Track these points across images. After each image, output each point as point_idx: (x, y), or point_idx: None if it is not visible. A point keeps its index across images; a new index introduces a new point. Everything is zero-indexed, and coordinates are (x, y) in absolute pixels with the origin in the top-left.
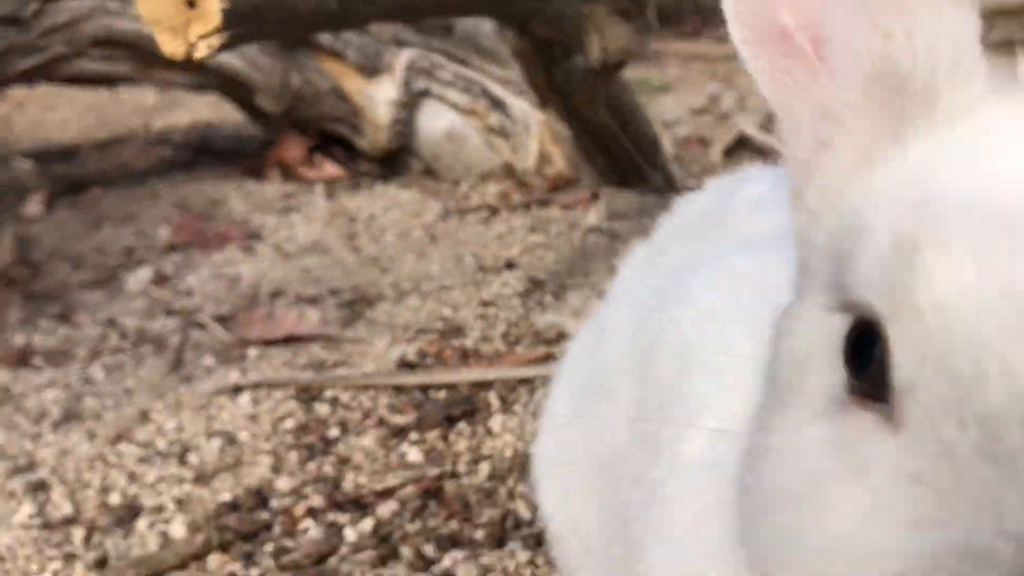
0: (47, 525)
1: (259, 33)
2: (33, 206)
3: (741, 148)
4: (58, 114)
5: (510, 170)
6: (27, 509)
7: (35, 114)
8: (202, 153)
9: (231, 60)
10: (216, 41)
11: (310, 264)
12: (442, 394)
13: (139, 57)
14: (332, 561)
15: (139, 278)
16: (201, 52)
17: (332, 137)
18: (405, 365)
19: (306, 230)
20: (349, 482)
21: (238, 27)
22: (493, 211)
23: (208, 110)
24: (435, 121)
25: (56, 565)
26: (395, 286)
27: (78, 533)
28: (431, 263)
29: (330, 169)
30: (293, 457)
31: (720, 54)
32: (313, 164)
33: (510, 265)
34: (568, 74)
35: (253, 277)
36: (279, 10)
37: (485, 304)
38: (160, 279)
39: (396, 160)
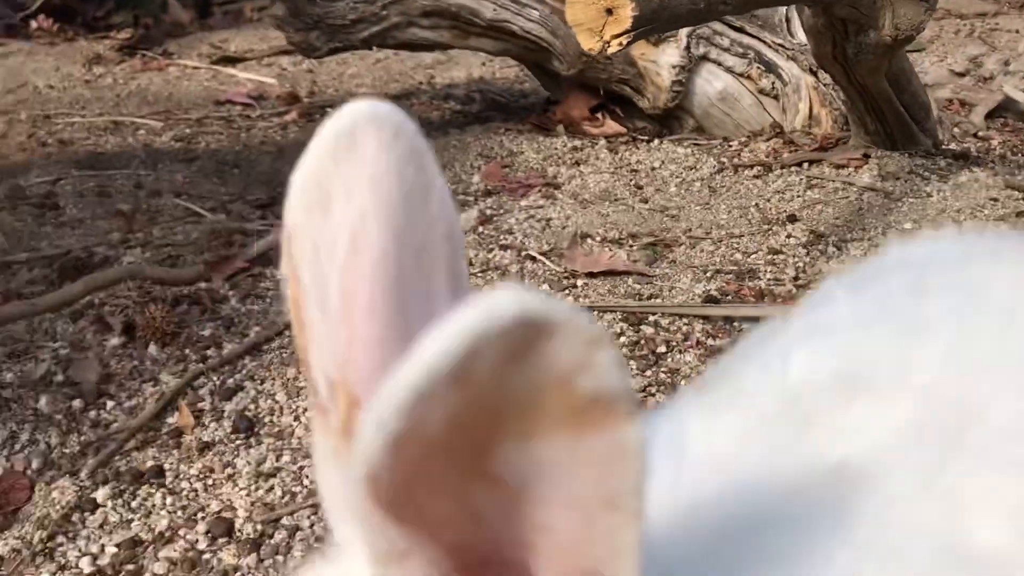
0: None
1: (651, 31)
2: None
3: (1003, 111)
4: (351, 68)
5: (778, 129)
6: None
7: (333, 68)
8: (486, 107)
9: (537, 29)
10: (624, 40)
11: (606, 211)
12: (745, 326)
13: (459, 27)
14: None
15: (468, 217)
16: (612, 49)
17: (612, 96)
18: (710, 299)
19: (595, 179)
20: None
21: (640, 27)
22: (766, 167)
23: (479, 67)
24: (711, 83)
25: None
26: (687, 232)
27: None
28: (718, 213)
29: (611, 126)
30: (633, 365)
31: (974, 11)
32: (595, 121)
33: (792, 219)
34: (858, 48)
35: (560, 220)
36: (668, 13)
37: (773, 252)
38: (484, 219)
39: (669, 118)
